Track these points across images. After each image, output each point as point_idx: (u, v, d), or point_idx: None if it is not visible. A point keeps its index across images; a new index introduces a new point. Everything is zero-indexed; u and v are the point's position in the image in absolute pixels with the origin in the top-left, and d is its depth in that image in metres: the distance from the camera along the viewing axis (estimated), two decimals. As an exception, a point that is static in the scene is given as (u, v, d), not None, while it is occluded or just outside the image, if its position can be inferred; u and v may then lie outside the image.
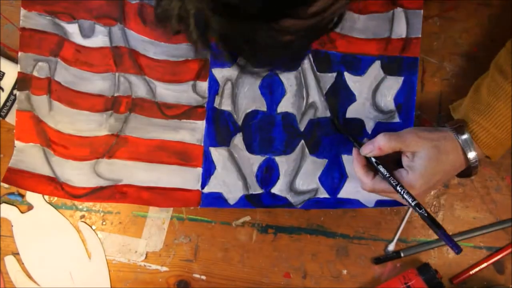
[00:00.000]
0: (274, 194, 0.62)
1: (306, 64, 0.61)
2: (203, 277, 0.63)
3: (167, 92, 0.61)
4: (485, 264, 0.63)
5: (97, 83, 0.61)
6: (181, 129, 0.61)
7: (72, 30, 0.60)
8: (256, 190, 0.62)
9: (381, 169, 0.55)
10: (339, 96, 0.62)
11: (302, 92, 0.62)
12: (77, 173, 0.61)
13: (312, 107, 0.62)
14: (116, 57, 0.61)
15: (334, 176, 0.62)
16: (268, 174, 0.62)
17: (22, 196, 0.63)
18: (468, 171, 0.56)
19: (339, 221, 0.63)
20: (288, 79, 0.62)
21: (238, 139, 0.62)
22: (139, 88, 0.61)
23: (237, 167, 0.62)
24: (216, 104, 0.61)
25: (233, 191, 0.61)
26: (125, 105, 0.61)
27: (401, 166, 0.55)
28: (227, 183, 0.61)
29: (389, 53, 0.62)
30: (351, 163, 0.62)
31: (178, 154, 0.61)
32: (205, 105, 0.61)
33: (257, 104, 0.62)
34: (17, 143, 0.60)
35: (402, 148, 0.55)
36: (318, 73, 0.62)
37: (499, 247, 0.63)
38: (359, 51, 0.62)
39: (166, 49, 0.61)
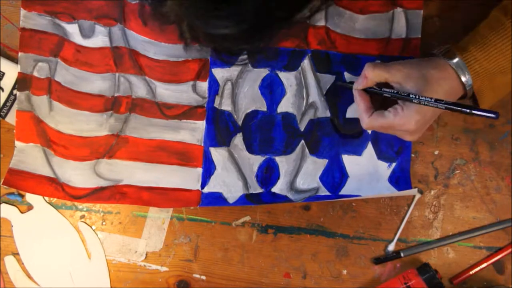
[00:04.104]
0: (274, 193, 0.62)
1: (306, 64, 0.61)
2: (203, 277, 0.63)
3: (167, 92, 0.61)
4: (485, 264, 0.63)
5: (97, 83, 0.61)
6: (181, 129, 0.61)
7: (72, 30, 0.61)
8: (256, 189, 0.62)
9: (386, 89, 0.54)
10: (339, 96, 0.62)
11: (302, 92, 0.62)
12: (77, 173, 0.61)
13: (312, 107, 0.62)
14: (116, 57, 0.61)
15: (335, 176, 0.62)
16: (268, 174, 0.62)
17: (22, 196, 0.63)
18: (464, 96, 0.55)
19: (339, 221, 0.63)
20: (288, 79, 0.62)
21: (238, 139, 0.62)
22: (139, 88, 0.61)
23: (237, 167, 0.62)
24: (216, 104, 0.61)
25: (233, 191, 0.61)
26: (125, 105, 0.61)
27: None
28: (227, 183, 0.61)
29: (389, 53, 0.62)
30: (352, 163, 0.62)
31: (178, 154, 0.61)
32: (205, 105, 0.61)
33: (257, 104, 0.62)
34: (17, 143, 0.60)
35: (388, 78, 0.54)
36: (318, 73, 0.62)
37: (499, 247, 0.63)
38: (359, 51, 0.62)
39: (166, 49, 0.61)
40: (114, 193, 0.61)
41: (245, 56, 0.61)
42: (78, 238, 0.63)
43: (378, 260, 0.63)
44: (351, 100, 0.62)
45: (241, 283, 0.63)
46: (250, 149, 0.62)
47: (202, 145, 0.61)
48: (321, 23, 0.61)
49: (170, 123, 0.61)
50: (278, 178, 0.62)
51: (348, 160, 0.62)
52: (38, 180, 0.60)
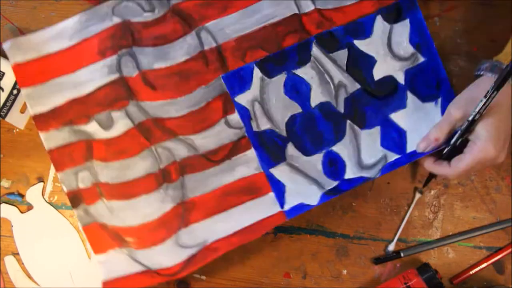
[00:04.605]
0: (349, 179, 0.61)
1: (316, 51, 0.61)
2: (203, 277, 0.63)
3: (206, 141, 0.60)
4: (485, 264, 0.63)
5: (140, 165, 0.59)
6: (236, 167, 0.60)
7: (93, 128, 0.59)
8: (331, 184, 0.60)
9: (454, 139, 0.57)
10: (360, 65, 0.61)
11: (325, 78, 0.61)
12: (165, 255, 0.59)
13: (341, 86, 0.61)
14: (144, 133, 0.59)
15: (393, 136, 0.61)
16: (334, 167, 0.61)
17: (22, 196, 0.63)
18: None
19: (339, 221, 0.63)
20: (306, 73, 0.60)
21: (291, 149, 0.60)
22: (179, 150, 0.59)
23: (303, 174, 0.61)
24: (254, 128, 0.60)
25: (311, 195, 0.60)
26: (175, 172, 0.59)
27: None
28: (302, 193, 0.60)
29: (385, 3, 0.61)
30: (402, 118, 0.62)
31: (245, 191, 0.60)
32: (246, 134, 0.60)
33: (290, 109, 0.61)
34: (99, 256, 0.58)
35: (456, 127, 0.56)
36: (330, 54, 0.61)
37: (499, 247, 0.64)
38: (357, 15, 0.61)
39: (185, 101, 0.59)
40: (205, 253, 0.59)
41: None
42: (78, 238, 0.63)
43: (378, 260, 0.63)
44: (372, 63, 0.61)
45: (241, 283, 0.63)
46: (306, 152, 0.61)
47: (262, 171, 0.60)
48: (311, 7, 0.60)
49: (223, 167, 0.60)
50: (345, 165, 0.61)
51: (398, 117, 0.61)
52: (134, 280, 0.58)
